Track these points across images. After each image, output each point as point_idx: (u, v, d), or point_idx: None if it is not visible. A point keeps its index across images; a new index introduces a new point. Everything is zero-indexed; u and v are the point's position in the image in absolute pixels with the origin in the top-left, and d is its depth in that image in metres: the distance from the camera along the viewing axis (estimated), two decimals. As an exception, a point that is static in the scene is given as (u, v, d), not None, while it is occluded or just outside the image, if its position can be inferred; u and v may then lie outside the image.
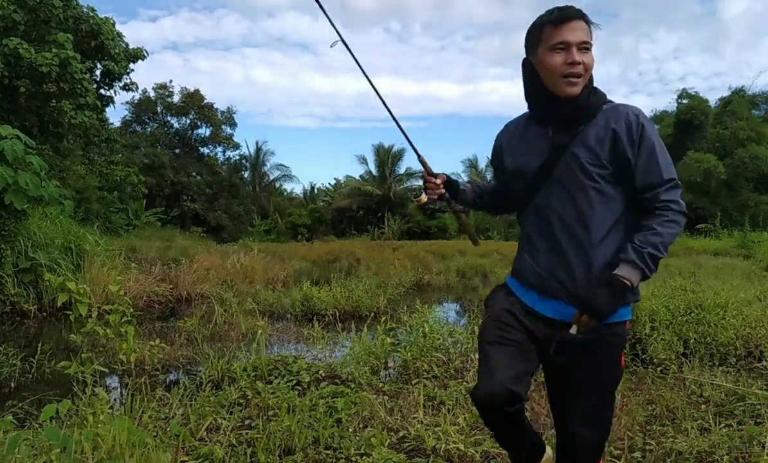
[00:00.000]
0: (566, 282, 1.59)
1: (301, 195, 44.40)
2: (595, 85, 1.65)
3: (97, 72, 17.34)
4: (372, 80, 2.11)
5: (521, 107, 1.79)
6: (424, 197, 1.94)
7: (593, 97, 1.61)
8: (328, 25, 2.11)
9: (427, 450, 2.78)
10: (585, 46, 1.56)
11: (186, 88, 33.84)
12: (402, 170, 38.34)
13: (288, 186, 51.82)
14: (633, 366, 4.35)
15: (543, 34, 1.58)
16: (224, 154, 35.59)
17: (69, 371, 3.23)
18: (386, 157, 37.91)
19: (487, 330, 1.67)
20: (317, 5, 2.11)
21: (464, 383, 3.80)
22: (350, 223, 36.22)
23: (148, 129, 33.50)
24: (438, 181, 1.94)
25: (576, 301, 1.57)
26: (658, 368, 4.22)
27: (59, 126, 15.55)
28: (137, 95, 30.89)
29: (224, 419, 3.18)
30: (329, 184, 44.38)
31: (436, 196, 1.94)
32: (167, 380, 4.59)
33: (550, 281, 1.62)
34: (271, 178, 40.57)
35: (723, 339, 4.63)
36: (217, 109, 33.99)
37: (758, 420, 3.01)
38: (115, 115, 42.37)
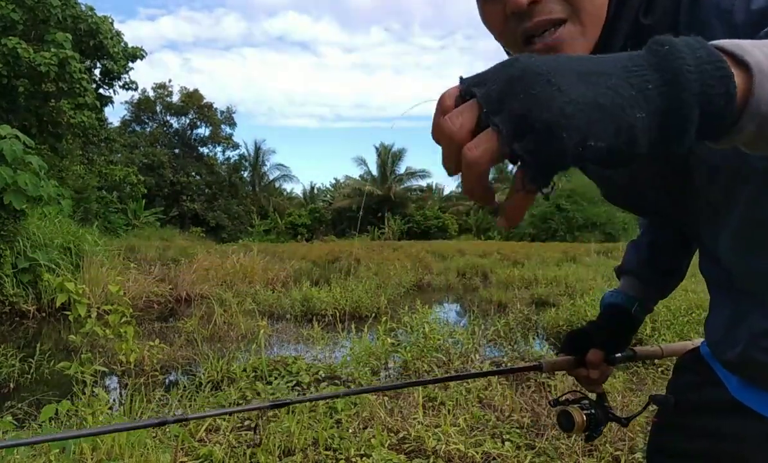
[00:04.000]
0: None
1: (301, 195, 44.44)
2: None
3: (96, 71, 17.34)
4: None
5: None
6: (577, 416, 0.98)
7: (644, 19, 0.66)
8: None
9: (427, 451, 2.77)
10: None
11: (185, 88, 33.97)
12: (402, 170, 38.42)
13: (288, 186, 51.96)
14: (633, 366, 4.34)
15: None
16: (224, 154, 35.68)
17: (69, 371, 3.22)
18: (386, 157, 37.95)
19: None
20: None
21: (464, 384, 3.79)
22: (350, 224, 36.23)
23: (148, 129, 33.52)
24: (594, 368, 1.01)
25: None
26: (659, 369, 4.22)
27: (58, 126, 15.56)
28: (136, 95, 30.94)
29: (224, 420, 3.16)
30: (329, 184, 44.49)
31: (596, 394, 1.05)
32: (166, 381, 4.57)
33: None
34: (271, 178, 40.63)
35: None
36: (216, 108, 34.09)
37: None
38: (114, 114, 42.62)
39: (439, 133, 0.40)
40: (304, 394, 3.61)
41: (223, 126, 34.54)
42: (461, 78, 0.41)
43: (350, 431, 3.03)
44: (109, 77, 17.56)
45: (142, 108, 33.02)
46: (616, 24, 0.66)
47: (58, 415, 2.77)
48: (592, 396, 1.05)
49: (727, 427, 0.84)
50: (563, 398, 1.04)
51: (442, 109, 0.40)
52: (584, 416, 0.97)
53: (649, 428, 0.96)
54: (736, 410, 0.82)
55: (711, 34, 0.49)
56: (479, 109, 0.38)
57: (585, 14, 0.63)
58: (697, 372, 0.89)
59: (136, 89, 19.70)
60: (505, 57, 0.75)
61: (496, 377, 3.99)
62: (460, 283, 12.91)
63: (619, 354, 1.02)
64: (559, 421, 1.01)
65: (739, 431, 0.82)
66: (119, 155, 24.58)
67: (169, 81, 42.22)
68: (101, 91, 17.71)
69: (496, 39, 0.73)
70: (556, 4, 0.63)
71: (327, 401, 3.46)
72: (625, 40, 0.67)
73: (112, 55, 16.50)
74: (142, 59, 17.87)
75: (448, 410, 3.25)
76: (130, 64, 17.64)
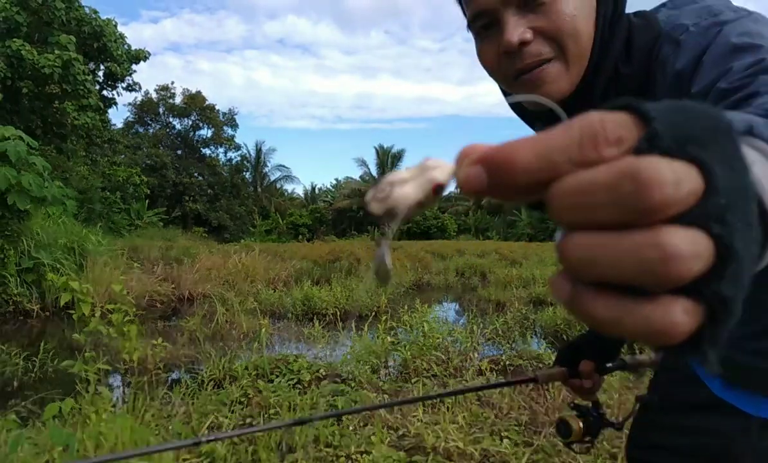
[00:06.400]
0: None
1: (302, 196, 44.49)
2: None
3: (100, 73, 17.42)
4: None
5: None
6: (574, 424, 1.04)
7: (623, 68, 0.72)
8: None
9: (426, 448, 2.81)
10: None
11: (188, 90, 34.08)
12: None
13: (289, 187, 51.94)
14: (632, 365, 4.36)
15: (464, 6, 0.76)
16: (226, 155, 35.77)
17: (73, 369, 3.26)
18: (386, 158, 37.98)
19: None
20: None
21: (463, 382, 3.83)
22: (351, 224, 36.26)
23: (150, 130, 33.62)
24: (587, 378, 1.05)
25: None
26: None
27: (62, 127, 15.63)
28: (140, 96, 31.09)
29: (226, 417, 3.20)
30: (330, 184, 44.56)
31: (591, 402, 1.08)
32: (169, 379, 4.62)
33: None
34: (272, 178, 40.69)
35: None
36: (218, 110, 34.16)
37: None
38: (118, 116, 42.72)
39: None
40: (304, 392, 3.65)
41: (225, 127, 34.63)
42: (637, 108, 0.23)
43: (350, 428, 3.07)
44: (113, 79, 17.64)
45: (145, 110, 33.11)
46: (599, 68, 0.72)
47: (62, 413, 2.80)
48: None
49: (710, 423, 0.89)
50: (578, 401, 1.08)
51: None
52: (581, 424, 1.02)
53: None
54: (718, 407, 0.88)
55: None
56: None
57: (570, 54, 0.69)
58: (680, 370, 0.94)
59: (138, 91, 19.79)
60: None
61: (495, 375, 4.02)
62: (459, 282, 12.93)
63: (609, 364, 1.07)
64: (558, 429, 1.06)
65: (721, 427, 0.88)
66: (123, 156, 24.69)
67: (172, 83, 42.52)
68: (104, 93, 17.80)
69: (489, 75, 0.80)
70: (543, 46, 0.69)
71: (333, 405, 3.50)
72: (607, 82, 0.73)
73: (116, 58, 16.58)
74: (145, 61, 17.96)
75: (447, 408, 3.28)
76: (133, 67, 17.73)
